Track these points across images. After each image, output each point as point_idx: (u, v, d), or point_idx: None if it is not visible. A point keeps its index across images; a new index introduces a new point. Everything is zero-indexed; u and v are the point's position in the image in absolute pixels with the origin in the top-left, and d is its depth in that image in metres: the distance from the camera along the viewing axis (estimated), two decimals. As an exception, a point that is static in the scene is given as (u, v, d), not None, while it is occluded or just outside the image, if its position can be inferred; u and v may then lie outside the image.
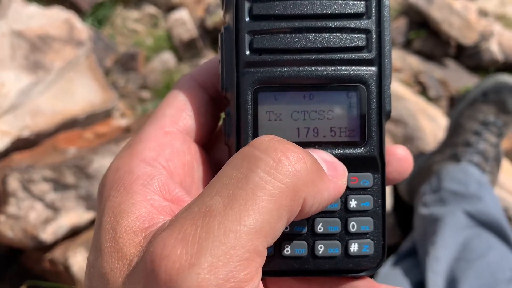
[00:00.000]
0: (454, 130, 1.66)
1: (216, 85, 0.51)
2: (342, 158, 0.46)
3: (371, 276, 0.49)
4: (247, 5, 0.46)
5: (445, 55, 2.56)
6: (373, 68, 0.46)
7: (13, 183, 1.49)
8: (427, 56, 2.54)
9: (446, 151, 1.62)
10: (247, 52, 0.46)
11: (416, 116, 1.92)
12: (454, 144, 1.61)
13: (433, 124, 1.95)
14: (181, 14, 2.48)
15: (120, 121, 1.91)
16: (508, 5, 2.83)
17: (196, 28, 2.46)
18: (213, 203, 0.37)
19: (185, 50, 2.44)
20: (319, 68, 0.46)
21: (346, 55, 0.46)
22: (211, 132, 0.52)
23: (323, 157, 0.44)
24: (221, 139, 0.50)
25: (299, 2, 0.46)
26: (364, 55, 0.46)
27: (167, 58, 2.38)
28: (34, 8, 1.94)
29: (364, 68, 0.46)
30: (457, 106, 1.77)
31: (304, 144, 0.45)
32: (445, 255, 1.30)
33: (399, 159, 0.51)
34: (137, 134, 0.48)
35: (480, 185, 1.48)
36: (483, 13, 2.77)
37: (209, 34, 2.51)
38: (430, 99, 2.32)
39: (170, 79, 2.26)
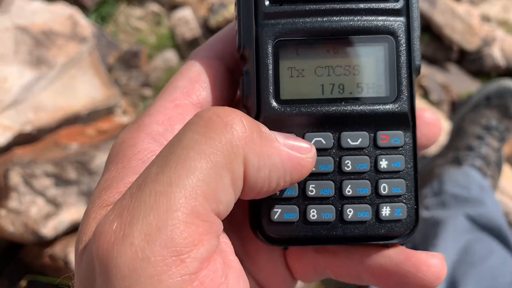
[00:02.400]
0: (457, 134, 1.67)
1: (234, 52, 0.47)
2: (370, 115, 0.43)
3: (403, 244, 0.45)
4: None
5: (447, 60, 2.57)
6: (401, 19, 0.44)
7: (15, 177, 1.48)
8: (430, 60, 2.55)
9: (448, 154, 1.62)
10: (267, 3, 0.43)
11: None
12: (456, 148, 1.62)
13: (435, 128, 1.95)
14: (185, 13, 2.48)
15: (122, 118, 1.91)
16: (511, 11, 2.83)
17: (199, 27, 2.46)
18: (148, 173, 0.35)
19: (188, 48, 2.44)
20: (344, 18, 0.43)
21: (373, 4, 0.43)
22: (229, 105, 0.48)
23: (284, 133, 0.41)
24: (239, 108, 0.48)
25: None
26: (391, 4, 0.43)
27: (170, 56, 2.38)
28: (38, 4, 1.94)
29: (392, 18, 0.43)
30: (459, 110, 1.78)
31: (329, 101, 0.43)
32: (446, 258, 1.30)
33: (428, 123, 0.48)
34: (147, 107, 0.45)
35: (482, 189, 1.49)
36: (485, 19, 2.77)
37: (212, 33, 2.50)
38: (432, 103, 2.32)
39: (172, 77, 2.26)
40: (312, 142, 0.43)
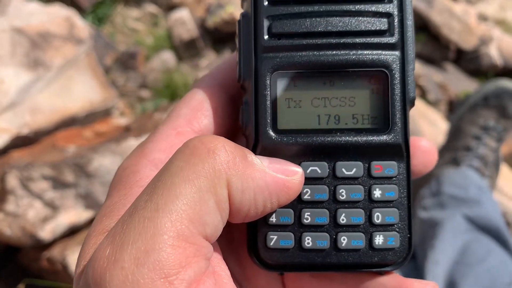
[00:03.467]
0: (454, 134, 1.67)
1: (236, 81, 0.49)
2: (365, 146, 0.44)
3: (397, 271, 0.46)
4: None
5: (445, 59, 2.57)
6: (396, 53, 0.45)
7: (12, 180, 1.48)
8: (427, 59, 2.55)
9: (446, 155, 1.62)
10: (266, 37, 0.45)
11: (416, 120, 1.93)
12: (454, 148, 1.62)
13: (432, 128, 1.96)
14: (182, 14, 2.47)
15: (119, 120, 1.90)
16: (508, 10, 2.84)
17: (196, 28, 2.45)
18: (139, 201, 0.37)
19: (185, 49, 2.43)
20: (340, 52, 0.44)
21: (368, 39, 0.45)
22: (230, 132, 0.50)
23: (270, 158, 0.43)
24: (240, 135, 0.49)
25: None
26: (386, 39, 0.45)
27: (167, 57, 2.38)
28: (35, 5, 1.94)
29: (386, 52, 0.45)
30: (457, 111, 1.78)
31: (325, 132, 0.45)
32: (444, 259, 1.30)
33: (424, 151, 0.49)
34: (150, 134, 0.47)
35: (480, 190, 1.49)
36: (483, 18, 2.78)
37: (210, 34, 2.50)
38: (429, 102, 2.32)
39: (169, 78, 2.26)
40: (308, 171, 0.45)
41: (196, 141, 0.39)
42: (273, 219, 0.45)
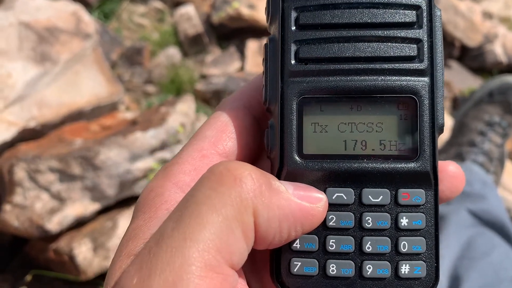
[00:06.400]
0: (459, 130, 1.67)
1: (261, 103, 0.48)
2: (392, 173, 0.44)
3: None
4: (293, 15, 0.45)
5: (449, 56, 2.57)
6: (425, 79, 0.44)
7: (20, 173, 1.49)
8: (432, 56, 2.55)
9: (450, 150, 1.63)
10: (293, 62, 0.45)
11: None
12: (459, 143, 1.62)
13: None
14: (187, 10, 2.48)
15: (126, 114, 1.91)
16: (513, 8, 2.84)
17: (202, 24, 2.46)
18: (165, 228, 0.37)
19: (190, 45, 2.44)
20: (368, 78, 0.44)
21: (396, 65, 0.44)
22: (254, 153, 0.50)
23: (295, 183, 0.43)
24: (265, 157, 0.48)
25: (347, 11, 0.44)
26: (415, 65, 0.44)
27: (173, 53, 2.38)
28: (42, 0, 1.95)
29: (415, 78, 0.44)
30: (462, 106, 1.78)
31: (352, 157, 0.44)
32: (449, 253, 1.30)
33: (451, 176, 0.48)
34: (176, 154, 0.47)
35: (484, 185, 1.49)
36: (487, 15, 2.78)
37: (215, 30, 2.51)
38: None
39: (175, 74, 2.27)
40: (334, 197, 0.44)
41: (222, 168, 0.39)
42: (297, 245, 0.44)
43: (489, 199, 1.44)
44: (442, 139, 1.85)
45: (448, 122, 1.97)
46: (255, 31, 2.42)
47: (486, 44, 2.57)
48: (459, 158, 1.58)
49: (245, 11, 2.39)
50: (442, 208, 1.45)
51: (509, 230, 1.38)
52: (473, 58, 2.59)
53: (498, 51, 2.57)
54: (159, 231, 0.37)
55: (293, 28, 0.45)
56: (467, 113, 1.69)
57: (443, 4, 2.51)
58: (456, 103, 2.36)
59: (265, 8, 0.48)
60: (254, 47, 2.38)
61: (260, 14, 2.39)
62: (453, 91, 2.41)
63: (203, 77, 2.35)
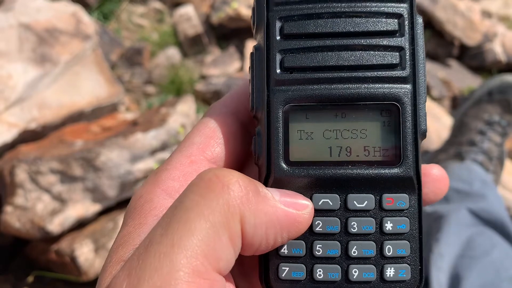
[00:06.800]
0: (459, 129, 1.68)
1: (248, 108, 0.50)
2: (376, 179, 0.45)
3: None
4: (278, 25, 0.46)
5: (449, 55, 2.58)
6: (408, 86, 0.45)
7: (21, 174, 1.49)
8: (431, 56, 2.55)
9: (450, 150, 1.63)
10: (278, 71, 0.45)
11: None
12: (459, 143, 1.63)
13: (437, 124, 1.97)
14: (187, 10, 2.48)
15: (126, 115, 1.92)
16: (512, 7, 2.84)
17: (201, 24, 2.46)
18: (154, 234, 0.38)
19: (190, 45, 2.44)
20: (352, 86, 0.45)
21: (379, 73, 0.45)
22: (241, 158, 0.51)
23: (281, 190, 0.44)
24: (252, 162, 0.49)
25: (330, 20, 0.45)
26: (398, 72, 0.45)
27: (172, 53, 2.39)
28: (41, 1, 1.95)
29: (398, 85, 0.45)
30: (462, 106, 1.79)
31: (337, 164, 0.45)
32: (449, 252, 1.31)
33: (435, 180, 0.49)
34: (165, 161, 0.48)
35: (484, 184, 1.49)
36: (487, 14, 2.78)
37: (214, 30, 2.51)
38: (433, 99, 2.33)
39: (175, 74, 2.27)
40: (320, 203, 0.45)
41: (211, 174, 0.40)
42: (284, 250, 0.46)
43: (489, 198, 1.44)
44: (442, 138, 1.86)
45: (448, 121, 1.98)
46: (255, 31, 2.42)
47: (486, 43, 2.57)
48: (459, 157, 1.58)
49: (244, 11, 2.39)
50: (442, 208, 1.45)
51: (509, 229, 1.38)
52: (472, 57, 2.60)
53: (498, 49, 2.57)
54: (148, 237, 0.38)
55: (278, 37, 0.46)
56: (467, 112, 1.69)
57: (442, 3, 2.51)
58: (456, 103, 2.36)
59: (251, 16, 0.49)
60: (253, 47, 2.38)
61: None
62: (452, 90, 2.42)
63: (203, 77, 2.35)
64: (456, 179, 1.50)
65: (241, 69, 2.38)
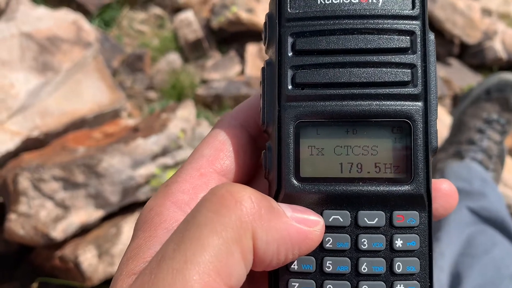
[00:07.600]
0: (458, 128, 1.68)
1: (257, 122, 0.49)
2: (387, 196, 0.45)
3: None
4: (290, 40, 0.46)
5: (449, 54, 2.58)
6: (419, 103, 0.45)
7: (24, 182, 1.51)
8: (431, 55, 2.55)
9: (450, 149, 1.64)
10: (290, 87, 0.45)
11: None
12: (458, 142, 1.63)
13: (438, 123, 1.97)
14: (187, 15, 2.50)
15: (128, 121, 1.93)
16: (512, 4, 2.83)
17: (201, 29, 2.48)
18: (166, 249, 0.38)
19: (191, 50, 2.46)
20: (363, 103, 0.45)
21: (391, 90, 0.45)
22: (251, 171, 0.51)
23: (293, 206, 0.44)
24: (262, 174, 0.49)
25: (342, 37, 0.45)
26: (409, 90, 0.45)
27: (173, 58, 2.40)
28: (42, 10, 1.97)
29: (409, 103, 0.45)
30: (460, 104, 1.79)
31: (347, 180, 0.45)
32: (450, 251, 1.31)
33: (445, 194, 0.49)
34: (175, 173, 0.48)
35: (484, 182, 1.50)
36: (486, 12, 2.78)
37: (215, 35, 2.53)
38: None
39: (176, 79, 2.28)
40: (330, 219, 0.45)
41: (224, 190, 0.40)
42: (295, 266, 0.45)
43: (488, 196, 1.44)
44: (442, 138, 1.86)
45: (448, 120, 1.98)
46: (255, 34, 2.43)
47: (486, 41, 2.57)
48: (458, 156, 1.59)
49: (244, 15, 2.40)
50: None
51: (510, 227, 1.38)
52: (473, 55, 2.60)
53: (498, 47, 2.57)
54: (160, 252, 0.38)
55: (290, 53, 0.46)
56: (465, 111, 1.69)
57: (441, 2, 2.51)
58: (456, 101, 2.36)
59: (262, 31, 0.49)
60: (253, 51, 2.40)
61: (259, 18, 2.40)
62: (453, 89, 2.42)
63: (204, 81, 2.37)
64: (456, 178, 1.51)
65: (242, 72, 2.39)
